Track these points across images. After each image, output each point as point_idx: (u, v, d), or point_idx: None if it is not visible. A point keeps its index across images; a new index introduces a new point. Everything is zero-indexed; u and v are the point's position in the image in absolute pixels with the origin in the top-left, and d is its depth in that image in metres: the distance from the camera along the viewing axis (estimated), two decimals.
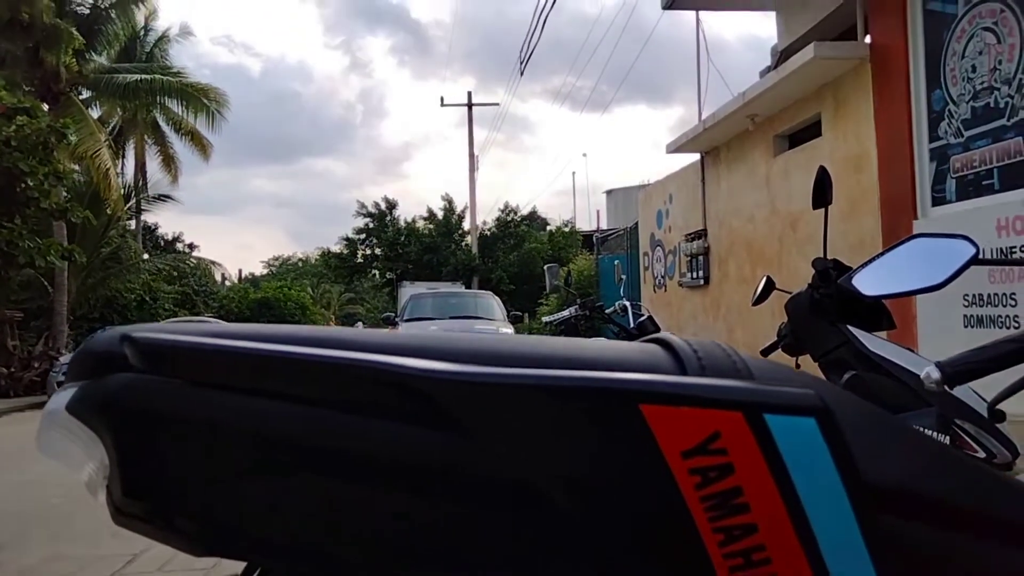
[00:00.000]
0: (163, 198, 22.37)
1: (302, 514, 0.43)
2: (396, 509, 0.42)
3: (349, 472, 0.42)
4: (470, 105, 25.48)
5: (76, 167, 16.04)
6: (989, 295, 4.94)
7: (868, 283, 1.42)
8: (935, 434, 1.28)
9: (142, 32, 20.65)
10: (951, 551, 0.42)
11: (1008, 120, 5.06)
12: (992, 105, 5.18)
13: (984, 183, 5.21)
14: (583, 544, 0.40)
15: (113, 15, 17.46)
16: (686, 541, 0.37)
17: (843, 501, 0.37)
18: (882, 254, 1.46)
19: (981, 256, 1.25)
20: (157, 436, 0.44)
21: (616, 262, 5.53)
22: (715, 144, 9.09)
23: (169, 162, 22.00)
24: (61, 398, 0.46)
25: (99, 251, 17.33)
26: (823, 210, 1.84)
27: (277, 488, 0.43)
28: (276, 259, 57.42)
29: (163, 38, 21.44)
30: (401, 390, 0.41)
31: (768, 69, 7.99)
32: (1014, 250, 4.77)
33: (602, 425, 0.39)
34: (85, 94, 17.73)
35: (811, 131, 7.23)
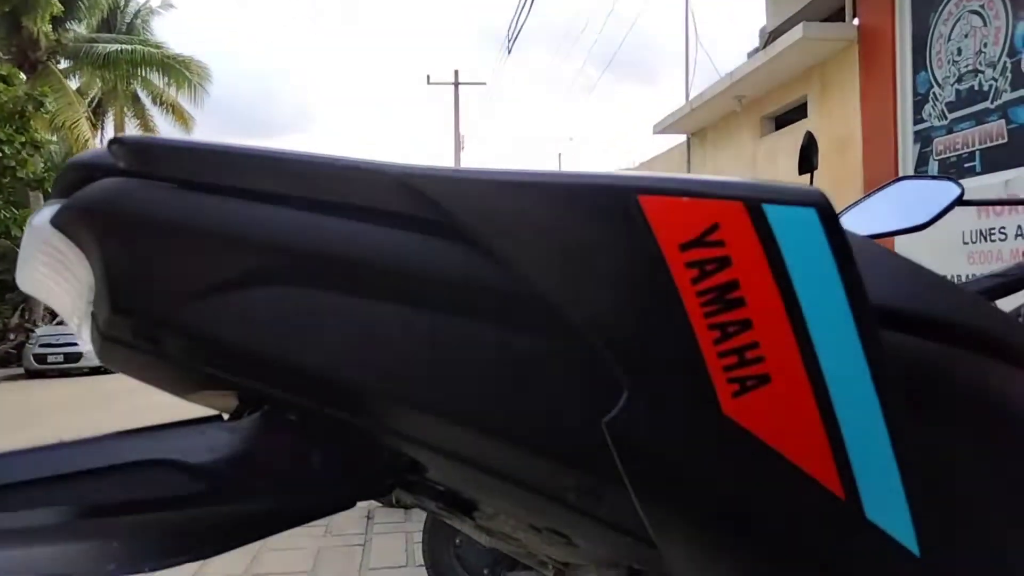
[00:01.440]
0: None
1: (298, 327, 0.41)
2: (393, 319, 0.40)
3: (347, 281, 0.41)
4: (456, 84, 25.25)
5: (54, 138, 15.74)
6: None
7: (852, 225, 1.42)
8: None
9: (123, 2, 20.24)
10: (944, 362, 0.41)
11: (992, 103, 5.09)
12: (976, 88, 5.20)
13: (966, 166, 5.25)
14: (576, 350, 0.39)
15: None
16: (681, 341, 0.36)
17: (841, 300, 0.36)
18: (866, 197, 1.46)
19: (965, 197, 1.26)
20: (146, 242, 0.42)
21: None
22: (702, 125, 9.08)
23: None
24: (45, 213, 0.44)
25: None
26: (808, 176, 1.84)
27: (271, 299, 0.41)
28: None
29: (144, 9, 21.05)
30: (402, 192, 0.40)
31: (756, 50, 7.99)
32: (993, 232, 4.81)
33: (601, 221, 0.38)
34: (64, 64, 17.37)
35: (798, 113, 7.24)
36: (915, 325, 0.42)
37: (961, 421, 0.40)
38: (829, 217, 0.38)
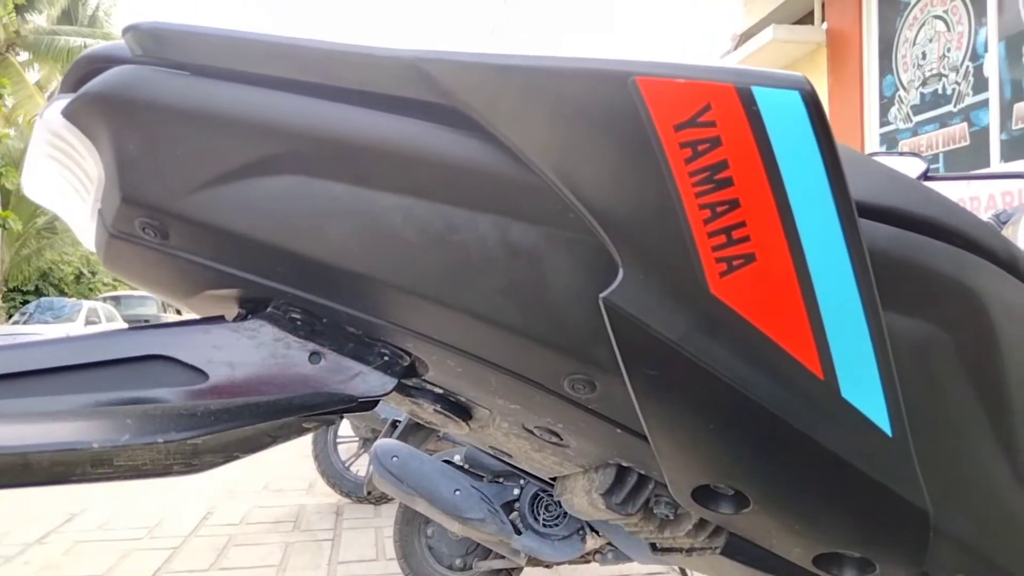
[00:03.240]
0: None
1: (307, 217, 0.41)
2: (398, 208, 0.40)
3: (355, 169, 0.40)
4: None
5: (11, 131, 15.40)
6: None
7: None
8: None
9: None
10: (918, 252, 0.43)
11: (955, 106, 5.22)
12: (940, 92, 5.33)
13: (931, 167, 5.38)
14: (575, 232, 0.39)
15: None
16: (673, 219, 0.36)
17: (823, 181, 0.38)
18: None
19: (931, 173, 1.30)
20: (158, 130, 0.42)
21: None
22: None
23: None
24: (56, 106, 0.44)
25: (35, 220, 16.67)
26: None
27: (281, 188, 0.41)
28: None
29: (106, 0, 20.69)
30: (411, 75, 0.40)
31: (728, 53, 8.10)
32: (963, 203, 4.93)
33: (600, 102, 0.39)
34: (23, 56, 17.00)
35: None
36: (891, 216, 0.43)
37: (933, 309, 0.42)
38: (813, 101, 0.39)
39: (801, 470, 0.40)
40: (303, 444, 3.97)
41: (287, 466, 4.69)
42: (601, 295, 0.37)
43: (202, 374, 0.42)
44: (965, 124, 5.10)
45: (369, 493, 2.75)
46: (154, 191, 0.41)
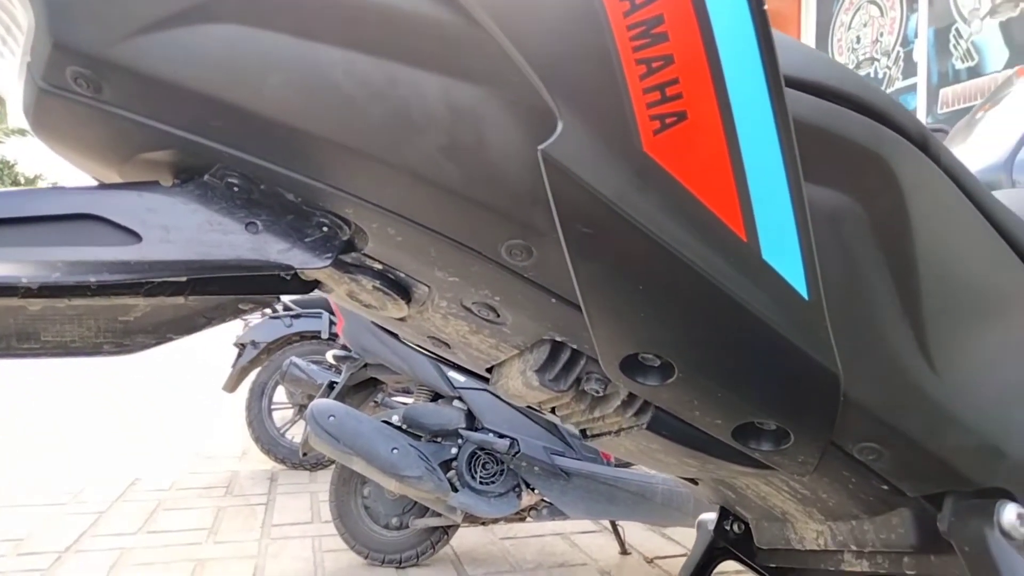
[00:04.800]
0: (23, 132, 20.64)
1: (247, 69, 0.39)
2: (340, 63, 0.39)
3: (297, 20, 0.39)
4: None
5: None
6: None
7: None
8: None
9: None
10: (841, 124, 0.44)
11: (885, 90, 5.40)
12: (872, 75, 5.51)
13: None
14: (515, 88, 0.39)
15: None
16: (611, 72, 0.36)
17: (752, 42, 0.38)
18: None
19: None
20: None
21: None
22: None
23: None
24: None
25: None
26: None
27: (221, 37, 0.39)
28: None
29: None
30: None
31: None
32: None
33: None
34: None
35: None
36: (813, 87, 0.44)
37: (849, 180, 0.43)
38: None
39: (723, 333, 0.41)
40: (237, 411, 3.90)
41: (220, 433, 4.60)
42: (539, 147, 0.37)
43: (135, 236, 0.40)
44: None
45: (305, 455, 2.71)
46: (88, 36, 0.39)
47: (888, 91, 5.32)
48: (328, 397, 2.66)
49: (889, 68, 5.32)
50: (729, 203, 0.38)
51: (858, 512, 0.54)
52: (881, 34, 5.39)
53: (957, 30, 5.02)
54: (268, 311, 3.92)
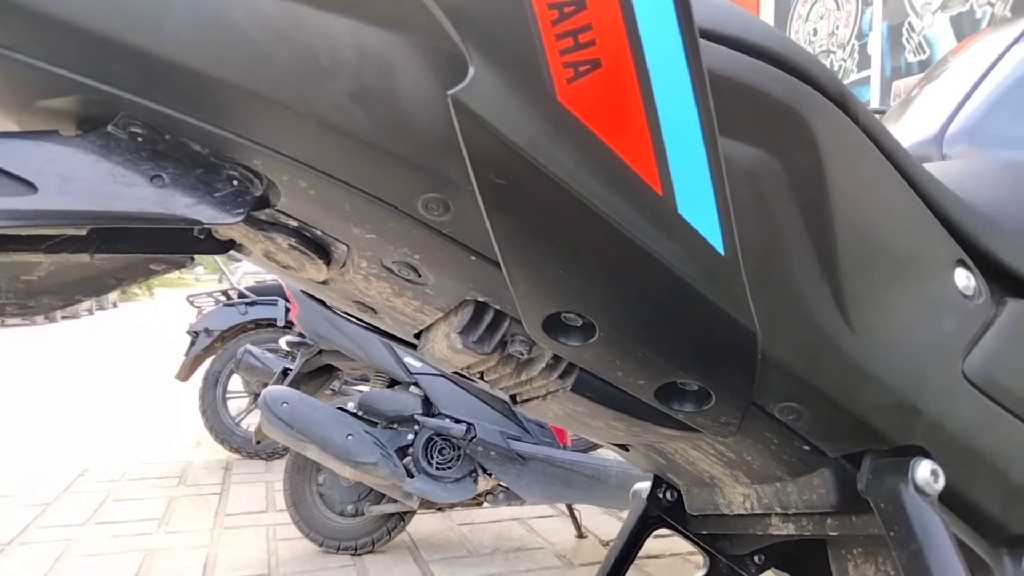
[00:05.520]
0: None
1: (151, 8, 0.37)
2: (243, 2, 0.37)
3: None
4: None
5: None
6: None
7: None
8: None
9: None
10: (758, 79, 0.43)
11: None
12: (829, 67, 5.60)
13: None
14: (426, 34, 0.37)
15: None
16: (523, 15, 0.35)
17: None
18: None
19: None
20: None
21: None
22: None
23: None
24: None
25: None
26: None
27: None
28: None
29: None
30: None
31: None
32: None
33: None
34: None
35: None
36: (731, 41, 0.43)
37: (766, 135, 0.43)
38: None
39: (641, 290, 0.41)
40: (191, 401, 3.83)
41: (174, 423, 4.51)
42: (449, 91, 0.36)
43: (30, 186, 0.38)
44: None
45: (258, 442, 2.67)
46: None
47: (845, 83, 5.41)
48: (282, 384, 2.63)
49: (845, 60, 5.42)
50: (644, 156, 0.38)
51: (781, 474, 0.54)
52: (837, 27, 5.48)
53: (910, 24, 5.12)
54: (223, 298, 3.85)
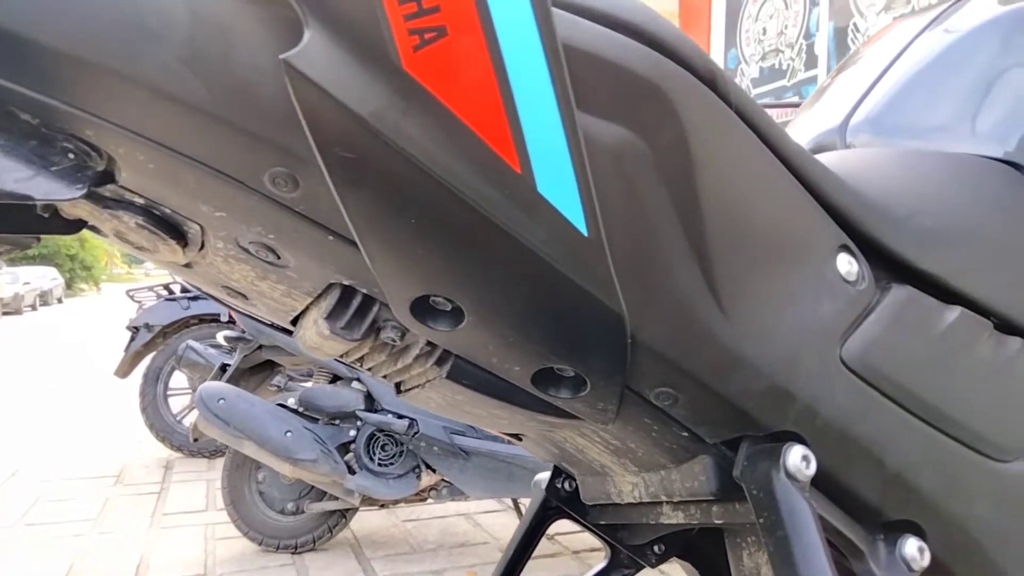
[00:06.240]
0: None
1: None
2: None
3: None
4: None
5: None
6: None
7: None
8: None
9: None
10: (618, 53, 0.42)
11: (788, 81, 5.58)
12: (777, 67, 5.69)
13: None
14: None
15: None
16: None
17: None
18: None
19: None
20: None
21: None
22: None
23: None
24: None
25: None
26: None
27: None
28: None
29: None
30: None
31: None
32: None
33: None
34: None
35: None
36: (591, 13, 0.41)
37: (631, 113, 0.41)
38: None
39: (504, 272, 0.39)
40: (133, 398, 3.72)
41: (113, 421, 4.39)
42: (281, 55, 0.33)
43: None
44: (796, 98, 5.46)
45: (195, 440, 2.61)
46: None
47: (791, 82, 5.50)
48: (220, 380, 2.56)
49: (793, 60, 5.51)
50: (500, 131, 0.36)
51: (665, 461, 0.53)
52: (786, 26, 5.57)
53: (855, 25, 5.23)
54: (164, 292, 3.75)
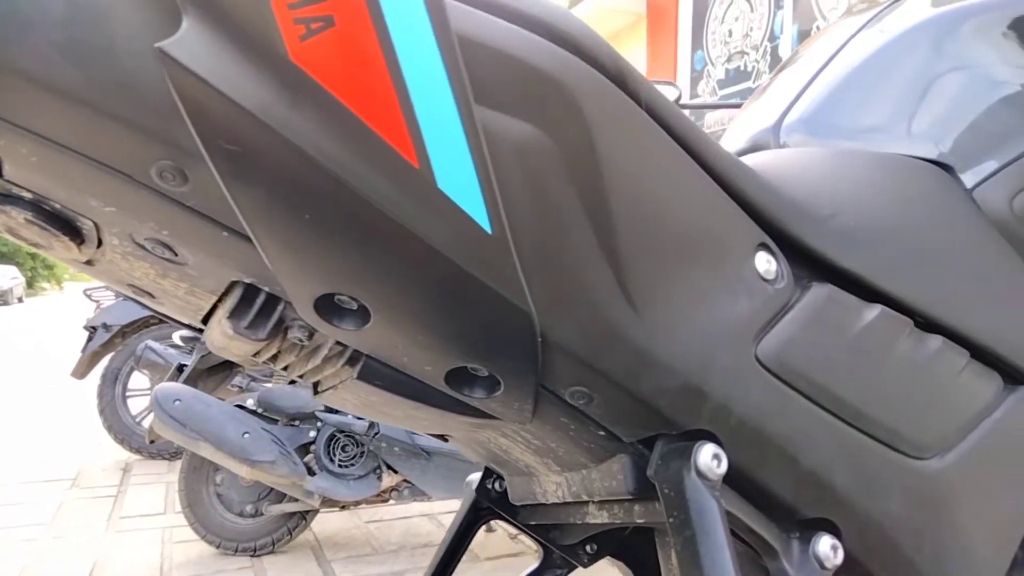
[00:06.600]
0: None
1: None
2: None
3: None
4: None
5: None
6: None
7: None
8: None
9: None
10: (517, 46, 0.41)
11: (753, 82, 5.64)
12: (742, 68, 5.74)
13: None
14: None
15: None
16: None
17: None
18: None
19: (682, 101, 1.39)
20: None
21: None
22: None
23: None
24: None
25: None
26: None
27: None
28: None
29: None
30: None
31: None
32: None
33: None
34: None
35: None
36: (495, 8, 0.41)
37: (535, 110, 0.41)
38: None
39: (408, 270, 0.38)
40: (91, 399, 3.64)
41: (71, 423, 4.30)
42: (157, 44, 0.32)
43: None
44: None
45: (152, 442, 2.56)
46: None
47: (756, 83, 5.56)
48: (177, 380, 2.52)
49: (758, 61, 5.57)
50: (395, 125, 0.35)
51: (585, 461, 0.53)
52: (751, 29, 5.62)
53: (818, 28, 5.30)
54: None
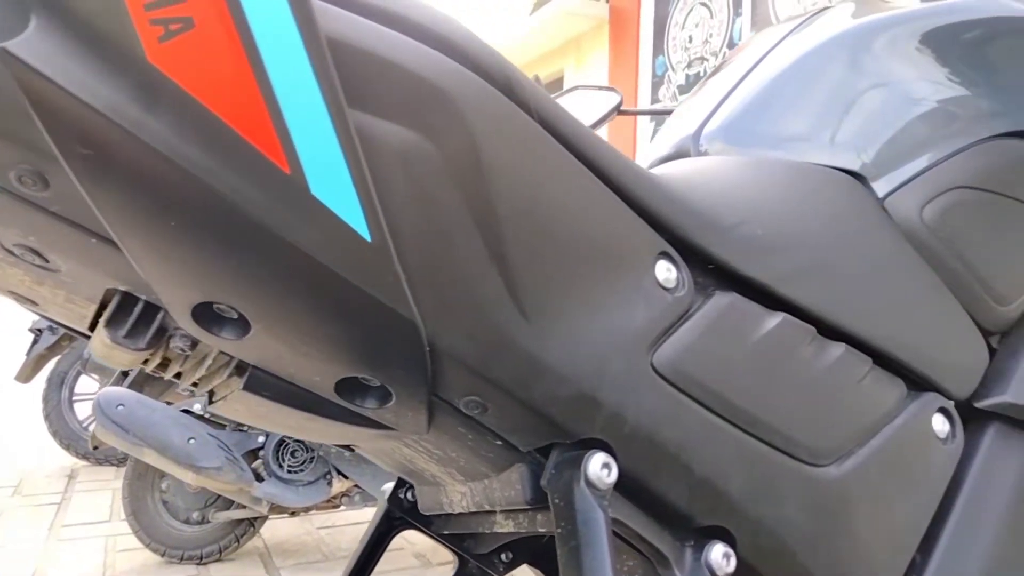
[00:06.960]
0: None
1: None
2: None
3: None
4: None
5: None
6: None
7: None
8: None
9: None
10: (396, 51, 0.40)
11: None
12: (702, 74, 5.81)
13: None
14: None
15: None
16: None
17: None
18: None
19: (624, 107, 1.40)
20: None
21: None
22: None
23: None
24: None
25: None
26: None
27: None
28: None
29: None
30: None
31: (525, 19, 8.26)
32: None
33: None
34: None
35: (557, 86, 7.62)
36: (369, 10, 0.40)
37: (417, 117, 0.40)
38: None
39: (285, 280, 0.37)
40: (36, 404, 3.54)
41: (14, 429, 4.17)
42: (1, 43, 0.31)
43: None
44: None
45: (95, 448, 2.50)
46: None
47: None
48: (121, 385, 2.46)
49: None
50: (263, 129, 0.34)
51: (486, 470, 0.52)
52: (711, 35, 5.70)
53: None
54: None
